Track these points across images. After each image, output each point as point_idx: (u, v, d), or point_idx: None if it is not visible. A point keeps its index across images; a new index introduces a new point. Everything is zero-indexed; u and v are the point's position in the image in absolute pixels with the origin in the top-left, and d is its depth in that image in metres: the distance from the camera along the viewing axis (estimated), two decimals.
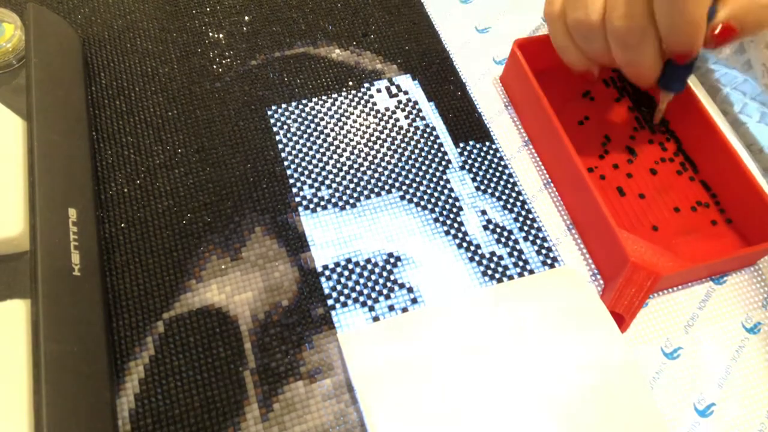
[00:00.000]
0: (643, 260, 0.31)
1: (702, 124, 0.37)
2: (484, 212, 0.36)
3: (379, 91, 0.40)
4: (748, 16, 0.28)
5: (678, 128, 0.39)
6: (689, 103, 0.37)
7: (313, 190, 0.36)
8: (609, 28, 0.30)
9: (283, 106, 0.39)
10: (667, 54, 0.31)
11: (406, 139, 0.38)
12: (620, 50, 0.31)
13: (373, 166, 0.37)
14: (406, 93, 0.40)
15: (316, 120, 0.38)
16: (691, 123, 0.38)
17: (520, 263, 0.34)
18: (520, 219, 0.36)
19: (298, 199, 0.35)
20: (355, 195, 0.36)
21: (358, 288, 0.33)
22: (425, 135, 0.38)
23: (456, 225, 0.35)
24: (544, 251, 0.35)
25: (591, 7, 0.30)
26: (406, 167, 0.37)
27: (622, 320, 0.31)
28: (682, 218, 0.36)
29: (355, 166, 0.37)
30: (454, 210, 0.36)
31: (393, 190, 0.36)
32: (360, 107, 0.39)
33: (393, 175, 0.37)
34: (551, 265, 0.34)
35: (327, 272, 0.33)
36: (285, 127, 0.38)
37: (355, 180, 0.36)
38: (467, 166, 0.37)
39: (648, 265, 0.31)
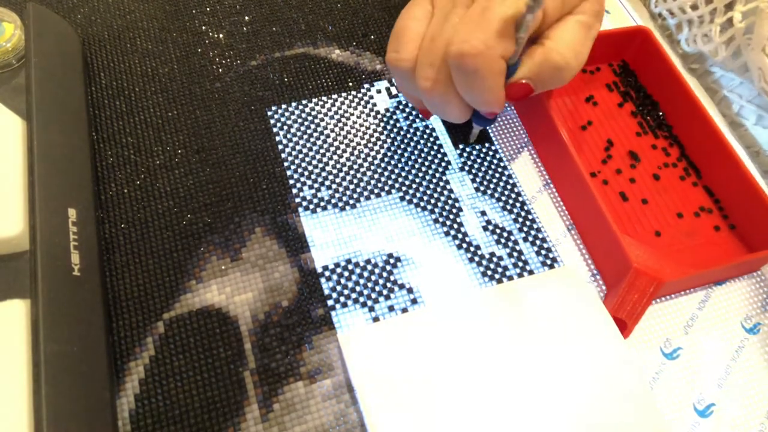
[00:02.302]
0: (645, 266, 0.31)
1: (705, 130, 0.37)
2: (483, 213, 0.36)
3: (379, 91, 0.40)
4: (541, 76, 0.29)
5: (681, 133, 0.39)
6: (693, 109, 0.37)
7: (313, 191, 0.36)
8: (417, 84, 0.30)
9: (283, 106, 0.39)
10: None
11: (406, 140, 0.38)
12: (427, 103, 0.31)
13: (373, 167, 0.37)
14: None
15: (316, 121, 0.38)
16: (694, 128, 0.38)
17: (520, 264, 0.34)
18: (520, 220, 0.36)
19: (298, 199, 0.35)
20: (355, 196, 0.36)
21: (358, 288, 0.33)
22: (425, 136, 0.38)
23: (456, 226, 0.35)
24: (543, 252, 0.35)
25: (403, 52, 0.30)
26: (406, 168, 0.37)
27: (624, 326, 0.31)
28: (686, 224, 0.36)
29: (355, 167, 0.37)
30: (454, 211, 0.36)
31: (393, 191, 0.36)
32: (360, 108, 0.39)
33: (393, 176, 0.37)
34: (551, 266, 0.34)
35: (327, 273, 0.33)
36: (285, 127, 0.38)
37: (355, 181, 0.36)
38: (467, 167, 0.37)
39: (651, 271, 0.31)
